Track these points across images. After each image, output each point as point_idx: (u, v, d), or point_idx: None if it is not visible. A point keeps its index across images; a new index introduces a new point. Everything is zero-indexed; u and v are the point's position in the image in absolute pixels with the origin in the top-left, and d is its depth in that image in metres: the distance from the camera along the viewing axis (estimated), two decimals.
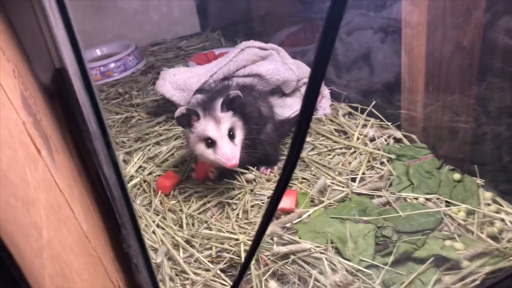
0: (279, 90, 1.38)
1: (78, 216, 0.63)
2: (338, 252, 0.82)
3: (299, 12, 1.73)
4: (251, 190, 1.02)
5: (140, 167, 1.16)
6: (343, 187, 0.99)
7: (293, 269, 0.79)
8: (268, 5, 1.83)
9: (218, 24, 2.11)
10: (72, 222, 0.59)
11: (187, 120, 0.93)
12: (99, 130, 0.43)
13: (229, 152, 0.89)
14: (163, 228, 0.94)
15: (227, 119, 0.93)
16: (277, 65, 1.28)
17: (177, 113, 0.90)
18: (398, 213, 0.89)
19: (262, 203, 0.98)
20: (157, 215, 0.99)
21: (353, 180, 1.01)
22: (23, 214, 0.42)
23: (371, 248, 0.82)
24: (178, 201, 1.03)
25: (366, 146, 1.11)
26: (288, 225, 0.89)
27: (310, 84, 0.41)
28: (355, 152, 1.10)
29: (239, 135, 0.95)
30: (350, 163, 1.07)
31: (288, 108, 1.29)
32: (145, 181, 1.11)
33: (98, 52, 1.94)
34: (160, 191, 1.04)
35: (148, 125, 1.37)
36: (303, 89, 1.37)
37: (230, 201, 0.99)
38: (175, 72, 1.30)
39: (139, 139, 1.31)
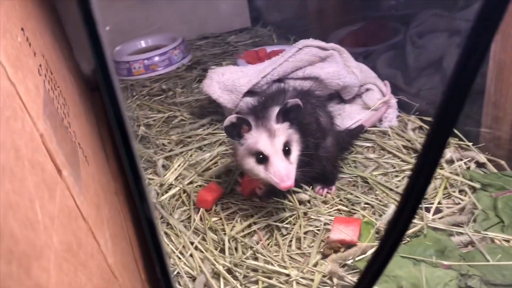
0: (336, 96, 1.23)
1: (103, 248, 0.52)
2: None
3: (361, 8, 1.57)
4: (305, 214, 0.88)
5: (180, 174, 1.05)
6: (415, 218, 0.83)
7: None
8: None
9: (270, 19, 1.97)
10: (96, 259, 0.48)
11: (237, 130, 0.80)
12: (127, 162, 0.31)
13: (283, 171, 0.75)
14: (201, 251, 0.82)
15: (283, 131, 0.79)
16: (339, 68, 1.13)
17: (226, 122, 0.77)
18: (486, 259, 0.73)
19: (318, 230, 0.84)
20: (196, 234, 0.87)
21: (427, 210, 0.85)
22: (19, 281, 0.30)
23: None
24: (220, 219, 0.90)
25: (442, 169, 0.94)
26: (349, 261, 0.75)
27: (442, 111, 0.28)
28: None
29: (295, 150, 0.81)
30: None
31: (348, 117, 1.13)
32: (184, 191, 0.99)
33: (143, 43, 1.84)
34: (201, 206, 0.93)
35: (191, 127, 1.25)
36: (364, 96, 1.21)
37: (280, 224, 0.86)
38: (224, 72, 1.17)
39: (180, 142, 1.20)
